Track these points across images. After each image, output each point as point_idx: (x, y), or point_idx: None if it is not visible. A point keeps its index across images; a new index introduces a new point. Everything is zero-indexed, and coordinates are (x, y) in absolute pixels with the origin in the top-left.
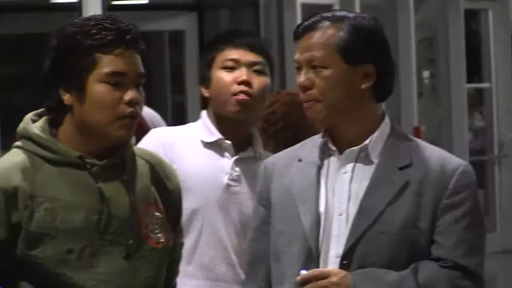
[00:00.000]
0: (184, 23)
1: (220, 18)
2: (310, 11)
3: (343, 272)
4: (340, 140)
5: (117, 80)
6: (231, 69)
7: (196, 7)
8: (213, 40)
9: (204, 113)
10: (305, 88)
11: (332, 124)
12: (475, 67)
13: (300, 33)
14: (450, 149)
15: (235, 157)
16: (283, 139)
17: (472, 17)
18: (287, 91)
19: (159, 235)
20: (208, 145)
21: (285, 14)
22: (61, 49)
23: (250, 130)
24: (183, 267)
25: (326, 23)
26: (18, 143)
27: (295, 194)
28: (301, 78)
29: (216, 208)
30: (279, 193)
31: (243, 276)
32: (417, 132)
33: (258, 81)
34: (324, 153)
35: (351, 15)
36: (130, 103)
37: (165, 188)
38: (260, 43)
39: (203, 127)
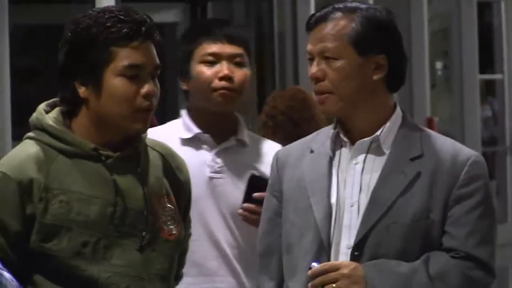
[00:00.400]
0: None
1: (233, 9)
2: (324, 2)
3: (353, 264)
4: (352, 131)
5: (133, 73)
6: (211, 63)
7: None
8: (189, 32)
9: (183, 112)
10: (317, 79)
11: (345, 115)
12: (488, 59)
13: (313, 24)
14: (462, 140)
15: (216, 149)
16: (282, 133)
17: (485, 9)
18: (292, 87)
19: (171, 227)
20: (187, 141)
21: (299, 5)
22: (76, 43)
23: (233, 118)
24: None
25: (338, 14)
26: (30, 134)
27: (307, 185)
28: (313, 69)
29: (202, 202)
30: (291, 184)
31: (239, 269)
32: (430, 123)
33: (239, 74)
34: (336, 144)
35: (363, 6)
36: (147, 96)
37: (176, 179)
38: (238, 33)
39: (182, 125)
